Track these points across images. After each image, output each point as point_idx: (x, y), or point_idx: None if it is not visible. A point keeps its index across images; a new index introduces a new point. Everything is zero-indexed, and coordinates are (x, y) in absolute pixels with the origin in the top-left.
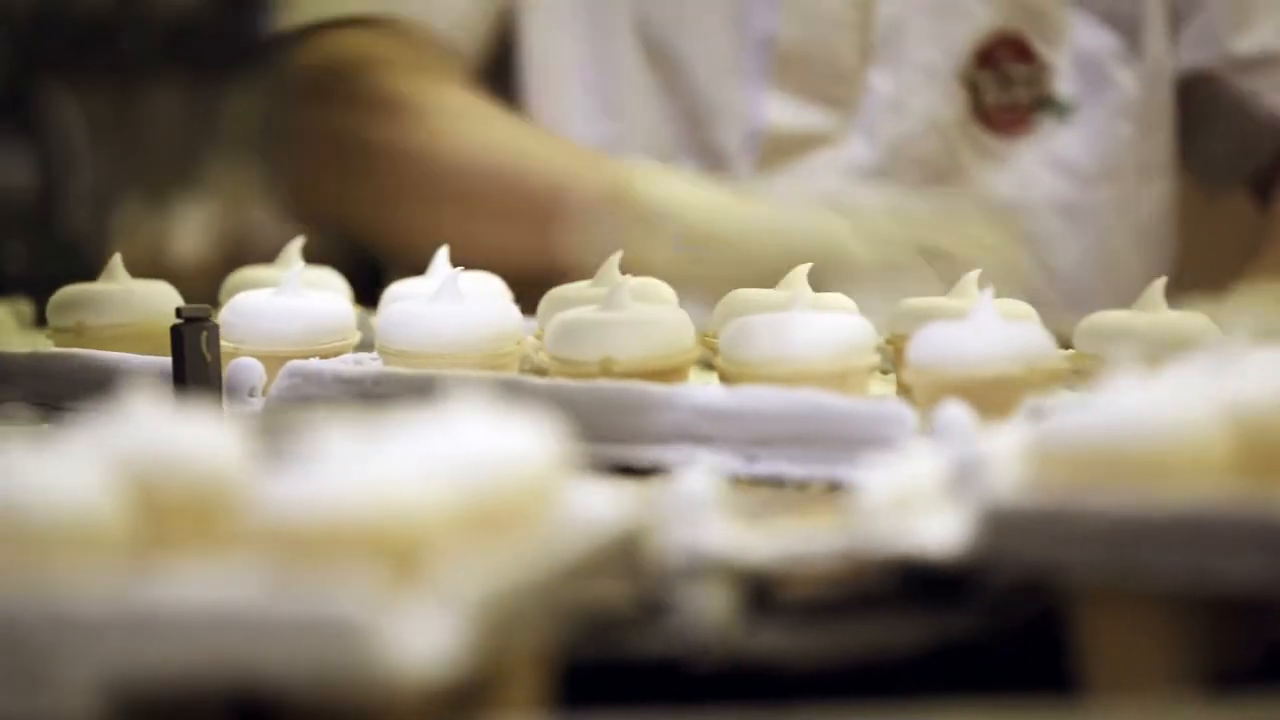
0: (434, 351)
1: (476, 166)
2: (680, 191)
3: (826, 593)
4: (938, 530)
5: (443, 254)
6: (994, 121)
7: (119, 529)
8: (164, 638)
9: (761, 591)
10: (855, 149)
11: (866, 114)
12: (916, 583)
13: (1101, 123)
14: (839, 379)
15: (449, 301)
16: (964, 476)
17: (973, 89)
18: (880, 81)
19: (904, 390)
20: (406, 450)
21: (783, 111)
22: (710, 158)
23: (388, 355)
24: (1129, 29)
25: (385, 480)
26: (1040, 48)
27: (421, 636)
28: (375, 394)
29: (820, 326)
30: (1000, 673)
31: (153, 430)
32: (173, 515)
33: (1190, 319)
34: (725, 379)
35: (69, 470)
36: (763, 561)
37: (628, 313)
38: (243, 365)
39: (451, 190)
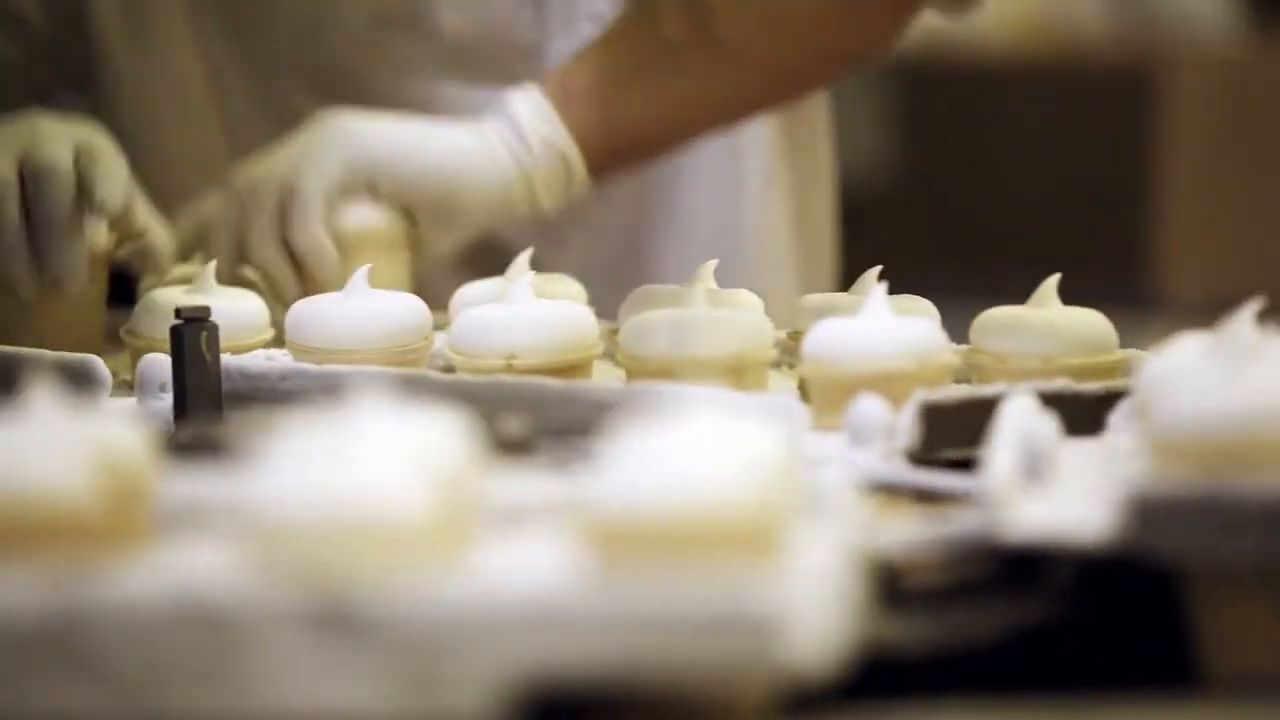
0: (342, 347)
1: None
2: None
3: (953, 579)
4: (1072, 518)
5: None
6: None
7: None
8: (568, 635)
9: (891, 580)
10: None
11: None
12: (1055, 570)
13: None
14: (736, 374)
15: (357, 298)
16: (1034, 469)
17: None
18: (560, 46)
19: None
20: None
21: (461, 101)
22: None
23: (297, 351)
24: None
25: (739, 473)
26: None
27: (816, 629)
28: (282, 389)
29: (718, 322)
30: (1114, 660)
31: None
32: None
33: (1084, 315)
34: (627, 375)
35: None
36: (896, 549)
37: (531, 309)
38: (151, 361)
39: None
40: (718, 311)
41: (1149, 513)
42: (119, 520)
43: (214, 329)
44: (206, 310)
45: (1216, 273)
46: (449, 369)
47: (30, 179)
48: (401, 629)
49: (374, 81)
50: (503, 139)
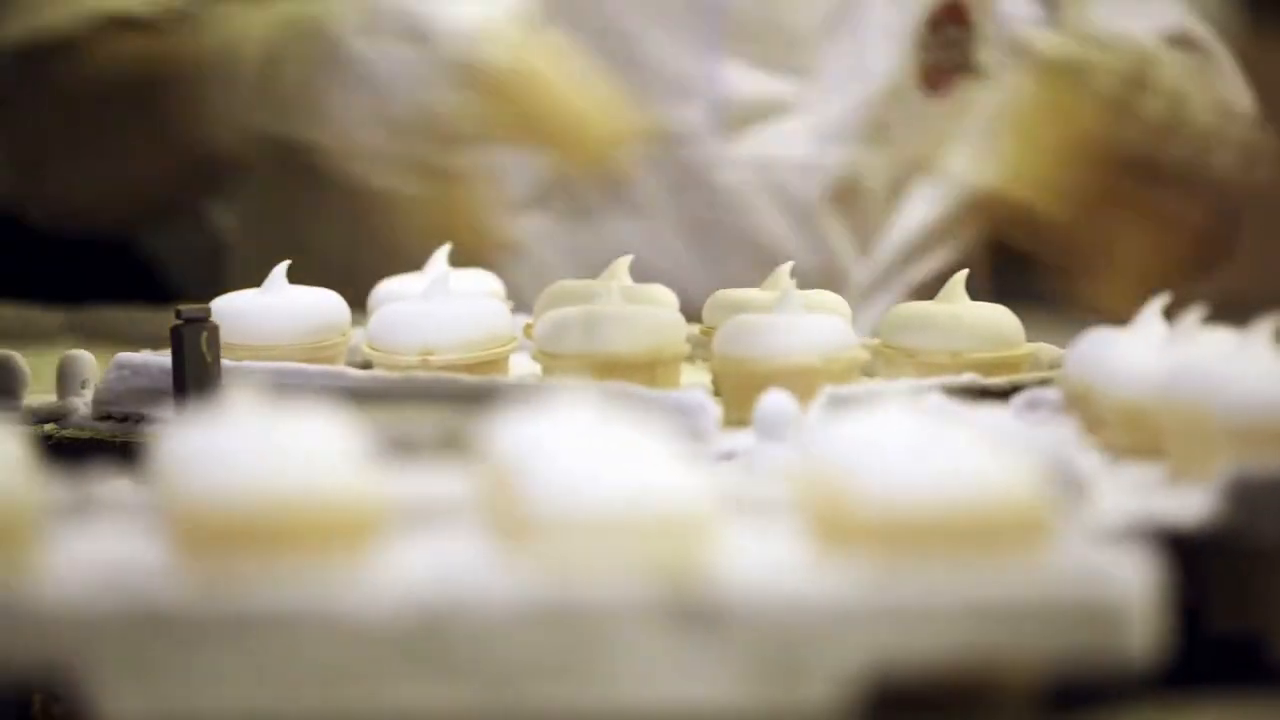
0: (259, 342)
1: None
2: None
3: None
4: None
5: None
6: (929, 82)
7: None
8: (915, 626)
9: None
10: (817, 114)
11: (827, 79)
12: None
13: (1013, 92)
14: (648, 370)
15: (275, 293)
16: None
17: (923, 50)
18: (841, 46)
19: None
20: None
21: (742, 81)
22: (670, 133)
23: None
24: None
25: (1015, 464)
26: (977, 14)
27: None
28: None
29: (631, 319)
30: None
31: None
32: None
33: (990, 310)
34: (542, 370)
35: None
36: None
37: (448, 306)
38: (73, 358)
39: None
40: (631, 308)
41: (1250, 494)
42: None
43: (214, 329)
44: (207, 310)
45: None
46: (366, 365)
47: None
48: (758, 621)
49: (651, 48)
50: None
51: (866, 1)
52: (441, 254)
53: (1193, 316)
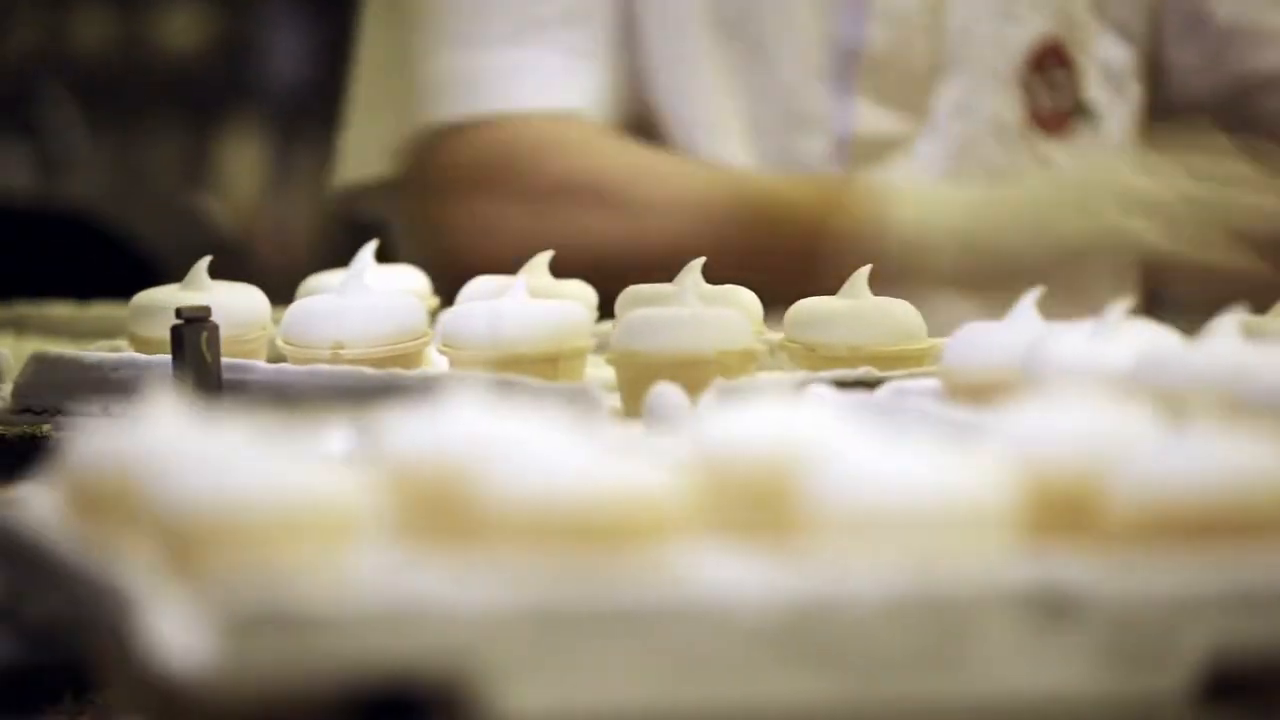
0: None
1: (709, 228)
2: (937, 202)
3: None
4: None
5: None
6: (1045, 124)
7: None
8: (1260, 614)
9: None
10: (925, 154)
11: (936, 118)
12: None
13: (1119, 130)
14: (550, 363)
15: (195, 289)
16: None
17: (1026, 92)
18: (950, 86)
19: None
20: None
21: (867, 118)
22: (797, 167)
23: (137, 342)
24: (1142, 43)
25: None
26: (1077, 55)
27: None
28: (114, 379)
29: (533, 312)
30: None
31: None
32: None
33: (892, 304)
34: (449, 364)
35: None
36: None
37: (359, 299)
38: None
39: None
40: (535, 303)
41: None
42: None
43: (214, 329)
44: (207, 310)
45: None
46: (278, 359)
47: None
48: (1115, 610)
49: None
50: None
51: (972, 42)
52: (367, 250)
53: (1118, 310)
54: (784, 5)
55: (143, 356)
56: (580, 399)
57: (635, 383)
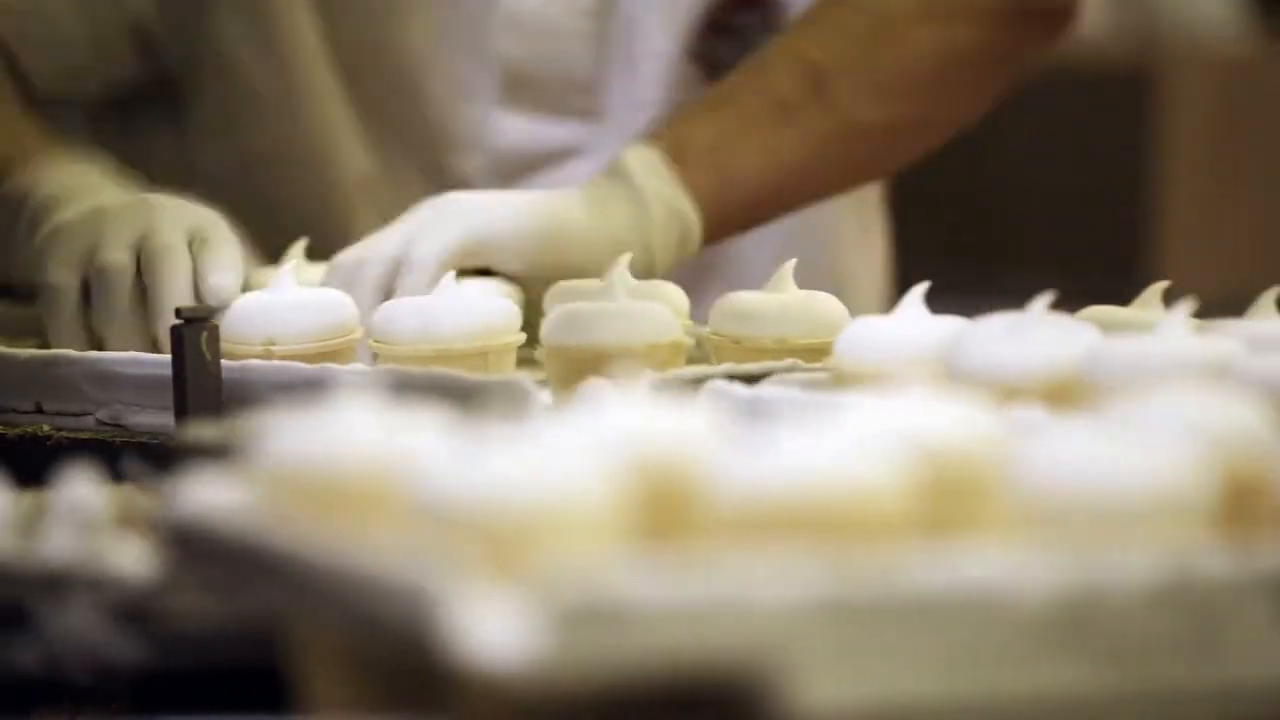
0: None
1: None
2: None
3: None
4: None
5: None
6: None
7: None
8: None
9: None
10: (604, 155)
11: (612, 118)
12: None
13: None
14: (480, 358)
15: None
16: None
17: (707, 60)
18: (620, 84)
19: None
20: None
21: (519, 132)
22: (456, 184)
23: None
24: None
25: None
26: None
27: None
28: (45, 376)
29: (463, 308)
30: None
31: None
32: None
33: (815, 298)
34: (376, 359)
35: None
36: None
37: (291, 295)
38: None
39: None
40: (465, 299)
41: None
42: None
43: (214, 329)
44: (207, 310)
45: (1216, 273)
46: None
47: (146, 265)
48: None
49: (431, 101)
50: (622, 205)
51: (637, 32)
52: (298, 247)
53: (1040, 303)
54: (427, 35)
55: (73, 354)
56: (512, 393)
57: (565, 377)
